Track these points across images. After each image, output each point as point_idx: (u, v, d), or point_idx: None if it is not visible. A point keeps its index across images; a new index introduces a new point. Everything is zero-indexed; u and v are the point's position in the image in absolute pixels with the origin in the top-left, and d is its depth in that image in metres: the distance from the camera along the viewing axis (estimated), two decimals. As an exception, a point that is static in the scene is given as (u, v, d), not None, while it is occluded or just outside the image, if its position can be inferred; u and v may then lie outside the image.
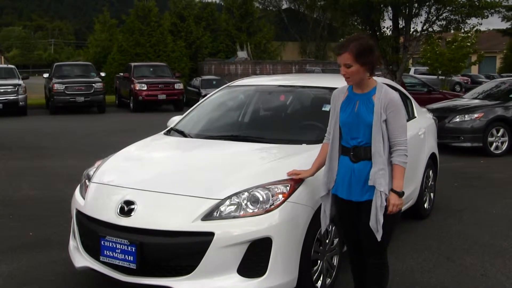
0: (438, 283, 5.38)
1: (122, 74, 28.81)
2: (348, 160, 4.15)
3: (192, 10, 41.97)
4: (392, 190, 4.01)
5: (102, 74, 27.75)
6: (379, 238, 4.03)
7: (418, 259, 6.02)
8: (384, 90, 4.10)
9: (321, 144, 4.66)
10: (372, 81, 4.16)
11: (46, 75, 26.96)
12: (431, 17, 18.83)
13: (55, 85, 24.11)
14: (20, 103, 23.13)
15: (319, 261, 4.76)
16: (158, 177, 4.94)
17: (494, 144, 13.10)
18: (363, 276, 4.44)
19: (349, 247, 4.53)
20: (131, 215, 4.47)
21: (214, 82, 27.68)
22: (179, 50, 37.95)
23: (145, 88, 25.56)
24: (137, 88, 25.54)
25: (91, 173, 5.38)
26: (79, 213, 5.00)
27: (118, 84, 29.18)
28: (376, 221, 3.99)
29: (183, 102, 26.57)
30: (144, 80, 26.08)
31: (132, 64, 28.48)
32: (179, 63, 37.32)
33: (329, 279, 4.93)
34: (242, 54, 37.83)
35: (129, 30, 37.72)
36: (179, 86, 26.42)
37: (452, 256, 6.11)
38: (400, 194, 4.01)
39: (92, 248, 4.75)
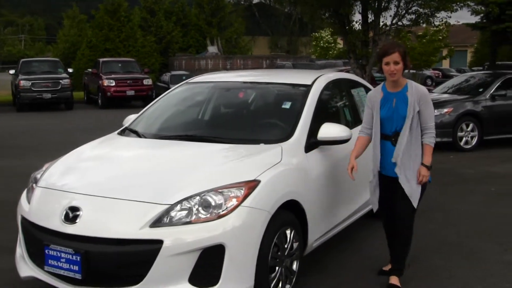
0: (404, 284, 5.18)
1: (90, 70, 28.39)
2: (390, 144, 5.00)
3: (162, 4, 41.60)
4: (422, 164, 4.92)
5: (70, 70, 27.40)
6: (415, 205, 5.00)
7: (385, 260, 5.81)
8: (414, 86, 4.96)
9: (280, 143, 5.02)
10: (403, 80, 5.01)
11: (12, 71, 26.45)
12: (400, 11, 18.72)
13: (21, 81, 23.64)
14: (-14, 100, 22.63)
15: (277, 268, 4.52)
16: (106, 181, 4.66)
17: (464, 139, 13.05)
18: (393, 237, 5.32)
19: (384, 214, 5.35)
20: (76, 222, 4.22)
21: (184, 78, 27.17)
22: (149, 45, 37.65)
23: (113, 84, 25.24)
24: (105, 84, 25.18)
25: (38, 176, 5.09)
26: (24, 220, 4.72)
27: (87, 80, 28.71)
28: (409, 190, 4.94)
29: (152, 98, 26.01)
30: (113, 76, 25.77)
31: (101, 59, 28.10)
32: (150, 58, 37.01)
33: (288, 286, 4.70)
34: (212, 49, 37.69)
35: (98, 25, 37.17)
36: (148, 81, 26.20)
37: (420, 257, 5.97)
38: (429, 168, 4.92)
39: (37, 257, 4.49)
